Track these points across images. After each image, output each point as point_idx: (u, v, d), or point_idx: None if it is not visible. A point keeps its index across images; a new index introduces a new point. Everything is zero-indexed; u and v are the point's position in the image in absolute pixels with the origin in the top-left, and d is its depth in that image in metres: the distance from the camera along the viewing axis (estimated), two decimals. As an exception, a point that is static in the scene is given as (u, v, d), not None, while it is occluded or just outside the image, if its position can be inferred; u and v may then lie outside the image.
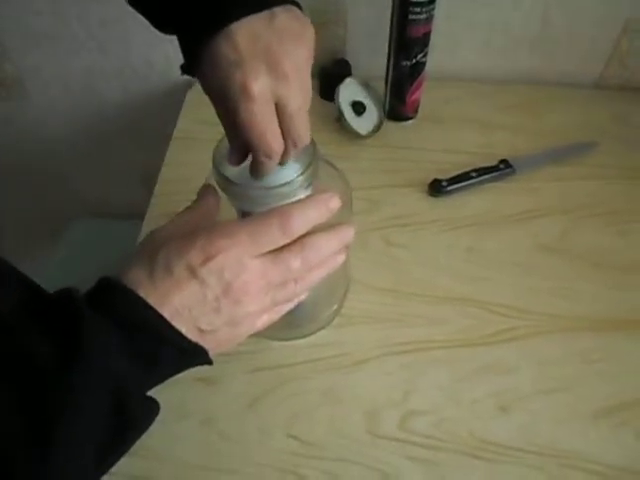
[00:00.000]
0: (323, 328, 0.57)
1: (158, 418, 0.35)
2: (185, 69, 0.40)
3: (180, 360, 0.36)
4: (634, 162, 0.72)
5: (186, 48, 0.39)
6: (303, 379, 0.53)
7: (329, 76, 0.79)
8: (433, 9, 0.67)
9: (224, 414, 0.51)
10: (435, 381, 0.53)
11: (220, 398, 0.52)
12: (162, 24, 0.41)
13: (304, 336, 0.56)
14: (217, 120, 0.40)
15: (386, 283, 0.60)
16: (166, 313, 0.33)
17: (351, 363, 0.54)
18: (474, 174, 0.68)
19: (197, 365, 0.37)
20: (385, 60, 0.74)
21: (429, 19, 0.68)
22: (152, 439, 0.48)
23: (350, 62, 0.82)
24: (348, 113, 0.74)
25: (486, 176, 0.69)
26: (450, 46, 0.82)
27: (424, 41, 0.70)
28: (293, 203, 0.37)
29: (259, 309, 0.37)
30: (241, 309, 0.36)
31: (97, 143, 1.01)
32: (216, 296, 0.34)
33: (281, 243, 0.36)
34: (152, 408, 0.36)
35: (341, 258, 0.40)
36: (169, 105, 0.84)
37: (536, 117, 0.79)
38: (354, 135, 0.74)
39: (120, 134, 0.99)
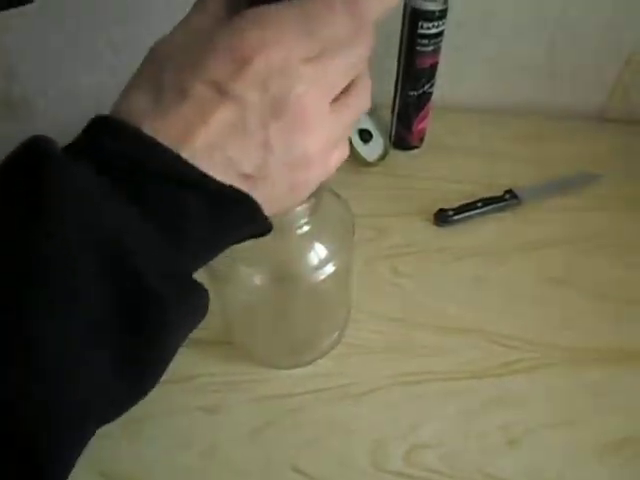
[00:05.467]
0: (324, 356, 0.56)
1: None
2: None
3: (212, 214, 0.23)
4: (639, 194, 0.72)
5: None
6: (308, 409, 0.52)
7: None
8: (441, 41, 0.68)
9: (226, 444, 0.50)
10: (442, 413, 0.52)
11: (222, 427, 0.51)
12: None
13: (305, 364, 0.55)
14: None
15: (392, 312, 0.60)
16: (185, 154, 0.23)
17: (356, 394, 0.53)
18: (480, 204, 0.68)
19: (247, 225, 0.25)
20: (391, 88, 0.75)
21: (436, 50, 0.69)
22: (151, 468, 0.47)
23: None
24: (355, 140, 0.75)
25: (492, 206, 0.69)
26: (456, 77, 0.83)
27: (431, 72, 0.71)
28: None
29: (328, 139, 0.26)
30: (303, 139, 0.24)
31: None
32: (262, 121, 0.23)
33: (344, 35, 0.24)
34: (191, 287, 0.24)
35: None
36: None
37: (541, 148, 0.79)
38: (360, 162, 0.75)
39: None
